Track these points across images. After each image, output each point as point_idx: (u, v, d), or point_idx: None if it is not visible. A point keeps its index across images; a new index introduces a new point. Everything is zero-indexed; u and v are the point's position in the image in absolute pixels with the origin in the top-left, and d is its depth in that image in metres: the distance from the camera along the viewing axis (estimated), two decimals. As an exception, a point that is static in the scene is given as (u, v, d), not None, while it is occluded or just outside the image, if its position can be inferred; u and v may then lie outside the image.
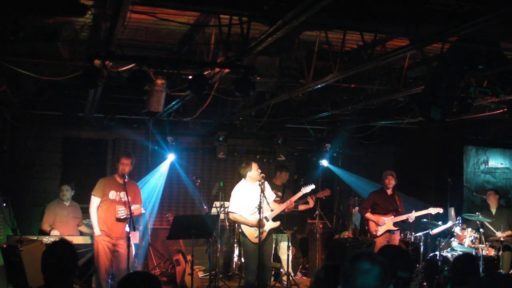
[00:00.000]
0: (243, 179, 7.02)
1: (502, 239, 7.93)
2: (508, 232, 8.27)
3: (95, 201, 6.65)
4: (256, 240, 6.66)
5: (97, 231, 6.59)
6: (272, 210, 6.97)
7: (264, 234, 6.77)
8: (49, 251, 3.38)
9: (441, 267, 7.32)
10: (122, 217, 6.52)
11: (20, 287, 5.49)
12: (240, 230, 7.11)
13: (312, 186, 7.58)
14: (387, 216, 8.20)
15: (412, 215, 8.14)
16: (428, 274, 7.68)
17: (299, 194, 7.55)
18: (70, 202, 7.80)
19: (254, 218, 6.76)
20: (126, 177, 6.58)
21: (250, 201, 6.82)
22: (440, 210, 8.26)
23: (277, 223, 6.95)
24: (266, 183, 7.11)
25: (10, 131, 8.78)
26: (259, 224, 6.52)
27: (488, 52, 5.17)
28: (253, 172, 6.88)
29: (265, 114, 8.04)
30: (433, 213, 8.20)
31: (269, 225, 6.89)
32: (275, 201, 7.29)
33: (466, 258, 4.49)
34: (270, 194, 7.10)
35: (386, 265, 2.46)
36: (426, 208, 8.26)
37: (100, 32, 4.92)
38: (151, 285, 2.72)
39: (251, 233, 6.79)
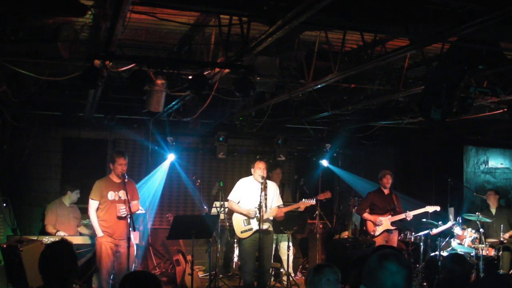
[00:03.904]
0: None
1: (504, 240, 7.93)
2: (511, 233, 8.27)
3: (93, 204, 6.63)
4: (241, 235, 6.83)
5: (99, 233, 6.57)
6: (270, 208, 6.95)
7: (250, 233, 6.79)
8: (47, 252, 3.35)
9: (441, 267, 7.33)
10: (123, 215, 6.52)
11: (20, 287, 5.49)
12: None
13: (312, 202, 7.59)
14: (385, 216, 8.21)
15: (410, 214, 8.14)
16: (428, 274, 7.68)
17: (294, 206, 7.54)
18: (70, 203, 7.81)
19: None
20: (126, 176, 6.58)
21: (250, 197, 6.86)
22: (438, 208, 8.28)
23: (266, 225, 6.82)
24: (273, 185, 7.11)
25: (10, 131, 8.78)
26: (263, 220, 6.53)
27: (488, 52, 5.17)
28: (255, 169, 6.89)
29: (265, 114, 8.04)
30: (430, 211, 8.22)
31: (256, 225, 6.77)
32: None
33: (455, 259, 4.43)
34: (275, 198, 7.05)
35: (411, 267, 2.38)
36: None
37: (100, 32, 4.91)
38: (152, 284, 2.71)
39: (238, 228, 6.87)
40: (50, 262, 3.27)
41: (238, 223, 6.89)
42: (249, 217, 6.81)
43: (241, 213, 6.87)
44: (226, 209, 7.79)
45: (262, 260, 6.75)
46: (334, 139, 10.54)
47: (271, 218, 6.93)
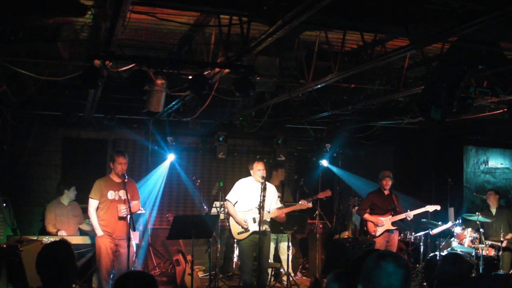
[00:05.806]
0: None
1: (505, 242, 7.92)
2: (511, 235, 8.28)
3: (93, 203, 6.64)
4: (238, 236, 6.82)
5: (99, 232, 6.58)
6: (268, 212, 6.94)
7: (246, 234, 6.77)
8: (43, 252, 3.30)
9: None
10: (124, 215, 6.53)
11: (20, 287, 5.49)
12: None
13: (310, 205, 7.59)
14: (386, 216, 8.20)
15: (410, 213, 8.15)
16: (428, 274, 7.68)
17: (294, 207, 7.53)
18: (69, 201, 7.80)
19: (245, 215, 6.80)
20: (126, 176, 6.57)
21: (249, 198, 6.83)
22: (438, 207, 8.28)
23: (263, 227, 6.74)
24: (273, 187, 7.10)
25: (10, 131, 8.78)
26: (261, 221, 6.53)
27: (488, 52, 5.17)
28: (254, 171, 6.87)
29: (265, 114, 8.04)
30: (430, 211, 8.22)
31: (254, 227, 6.73)
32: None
33: (448, 259, 4.38)
34: (274, 199, 7.02)
35: (409, 268, 2.38)
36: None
37: (100, 32, 4.92)
38: (146, 285, 2.69)
39: (235, 229, 6.86)
40: (46, 262, 3.21)
41: (235, 225, 6.87)
42: (241, 226, 6.79)
43: (234, 219, 6.85)
44: (226, 209, 7.78)
45: (260, 260, 6.73)
46: (334, 139, 10.54)
47: (269, 219, 6.92)
